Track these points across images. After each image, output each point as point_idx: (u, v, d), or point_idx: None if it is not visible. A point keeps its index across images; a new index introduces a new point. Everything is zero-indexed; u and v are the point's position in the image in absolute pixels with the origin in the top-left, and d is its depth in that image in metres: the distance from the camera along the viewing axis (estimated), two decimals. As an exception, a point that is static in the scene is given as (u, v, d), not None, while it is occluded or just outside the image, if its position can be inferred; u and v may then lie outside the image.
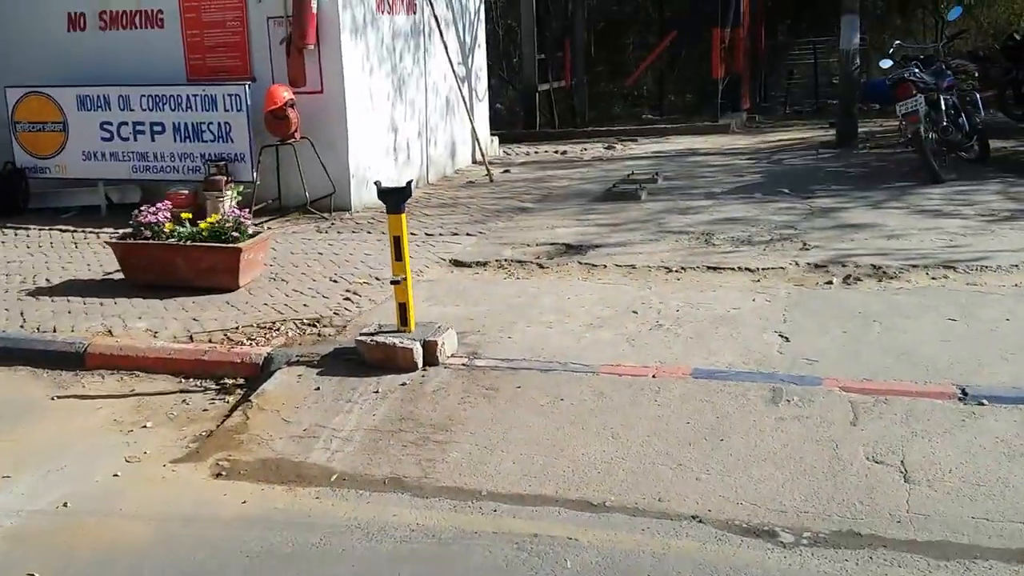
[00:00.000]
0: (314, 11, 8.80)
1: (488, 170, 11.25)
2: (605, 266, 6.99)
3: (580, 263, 7.11)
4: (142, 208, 6.77)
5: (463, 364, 5.13)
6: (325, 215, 9.08)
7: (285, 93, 8.69)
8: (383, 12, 9.87)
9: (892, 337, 5.19)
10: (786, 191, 9.41)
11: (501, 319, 5.84)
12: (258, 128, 8.83)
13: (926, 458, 3.91)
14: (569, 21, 17.44)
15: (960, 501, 3.61)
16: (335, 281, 6.86)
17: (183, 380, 5.41)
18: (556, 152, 13.84)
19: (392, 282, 5.12)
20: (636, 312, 5.85)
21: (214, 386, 5.30)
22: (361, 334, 5.26)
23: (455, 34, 11.93)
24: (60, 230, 8.89)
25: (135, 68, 9.27)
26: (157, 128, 9.03)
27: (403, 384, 4.92)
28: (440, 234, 8.31)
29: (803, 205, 8.72)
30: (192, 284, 6.56)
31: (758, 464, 3.96)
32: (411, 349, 5.03)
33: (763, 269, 6.65)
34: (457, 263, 7.33)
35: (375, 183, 5.14)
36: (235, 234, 6.49)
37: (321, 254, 7.70)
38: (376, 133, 9.73)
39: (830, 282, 6.29)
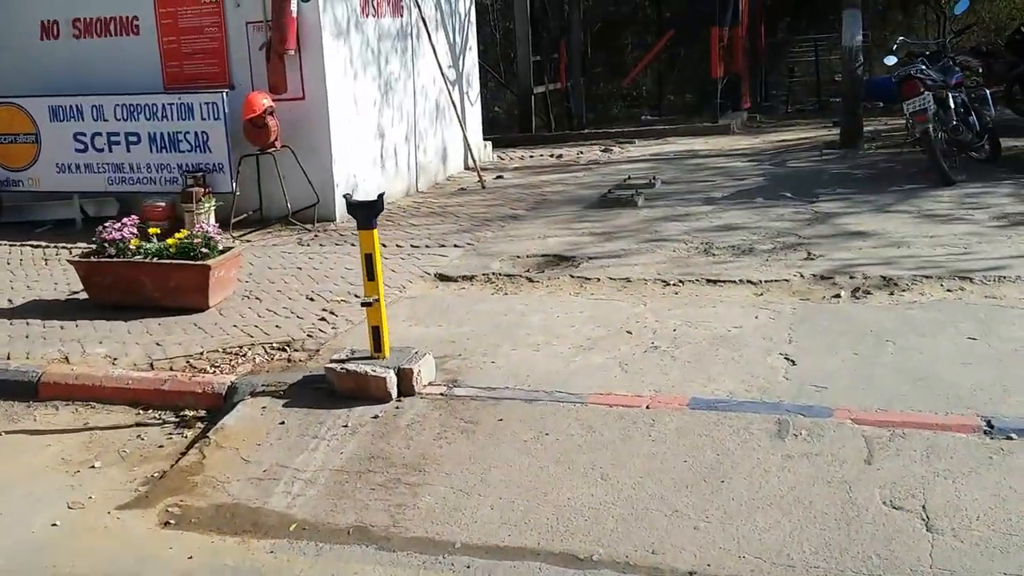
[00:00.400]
0: (294, 15, 8.42)
1: (480, 176, 10.86)
2: (598, 279, 6.59)
3: (572, 276, 6.71)
4: (106, 224, 6.38)
5: (441, 394, 4.73)
6: (308, 226, 8.69)
7: (264, 100, 8.30)
8: (368, 15, 9.49)
9: (907, 359, 4.79)
10: (789, 195, 9.01)
11: (485, 341, 5.45)
12: (237, 137, 8.45)
13: (950, 502, 3.51)
14: (565, 22, 17.03)
15: (989, 553, 3.20)
16: (312, 299, 6.47)
17: (141, 411, 5.02)
18: (551, 156, 13.46)
19: (363, 304, 4.73)
20: (630, 332, 5.46)
21: (173, 418, 4.91)
22: (332, 361, 4.87)
23: (445, 36, 11.54)
24: (32, 245, 8.51)
25: (111, 77, 8.89)
26: (132, 138, 8.65)
27: (375, 417, 4.53)
28: (427, 246, 7.92)
29: (807, 210, 8.32)
30: (160, 304, 6.18)
31: (763, 510, 3.56)
32: (384, 378, 4.64)
33: (766, 282, 6.25)
34: (443, 277, 6.94)
35: (344, 196, 4.75)
36: (204, 250, 6.10)
37: (300, 269, 7.31)
38: (361, 140, 9.34)
39: (838, 295, 5.88)
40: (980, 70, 11.81)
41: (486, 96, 19.25)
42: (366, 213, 4.64)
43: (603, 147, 13.88)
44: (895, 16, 19.86)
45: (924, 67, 9.19)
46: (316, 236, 8.48)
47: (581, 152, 13.61)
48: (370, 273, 4.70)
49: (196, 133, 8.47)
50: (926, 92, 8.83)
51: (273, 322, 5.99)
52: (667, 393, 4.56)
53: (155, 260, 6.10)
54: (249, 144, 8.45)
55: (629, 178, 10.37)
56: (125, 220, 6.37)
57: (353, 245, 8.05)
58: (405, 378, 4.71)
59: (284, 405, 4.73)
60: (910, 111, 8.95)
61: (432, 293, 6.58)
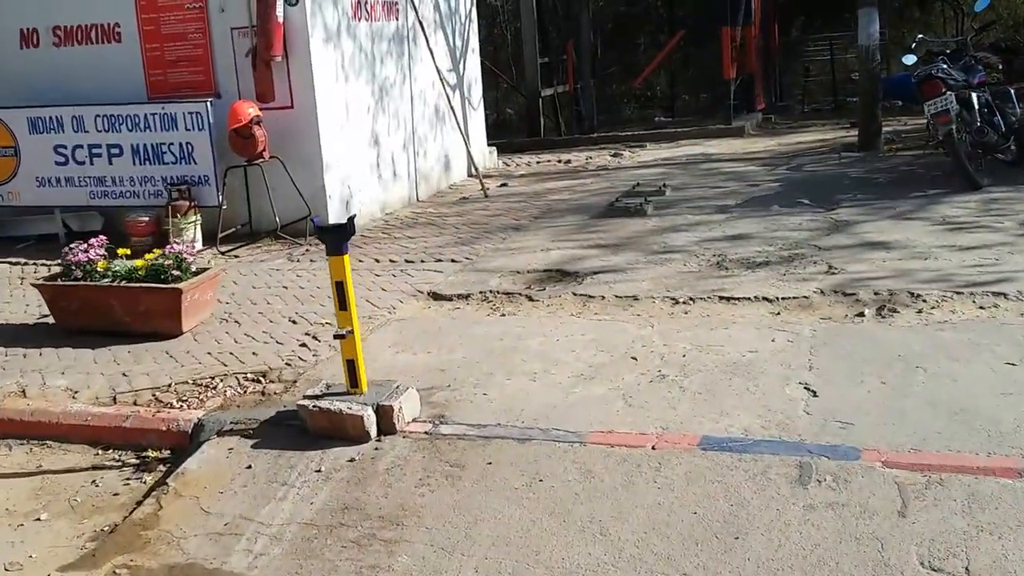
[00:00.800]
0: (280, 20, 8.00)
1: (482, 184, 10.43)
2: (602, 297, 6.15)
3: (574, 294, 6.27)
4: (72, 245, 5.98)
5: (426, 432, 4.30)
6: (299, 240, 8.28)
7: (250, 109, 7.89)
8: (360, 18, 9.06)
9: (940, 388, 4.32)
10: (806, 202, 8.54)
11: (478, 370, 5.01)
12: (223, 148, 8.04)
13: (996, 563, 3.05)
14: (574, 22, 16.59)
15: (1048, 630, 2.75)
16: (294, 322, 6.05)
17: (100, 452, 4.62)
18: (559, 162, 13.01)
19: (336, 336, 4.30)
20: (635, 358, 5.01)
21: (134, 460, 4.50)
22: (305, 396, 4.44)
23: (445, 39, 11.11)
24: (10, 263, 8.13)
25: (93, 86, 8.49)
26: (114, 150, 8.26)
27: (351, 460, 4.10)
28: (422, 260, 7.49)
29: (826, 218, 7.84)
30: (131, 329, 5.77)
31: (784, 572, 3.11)
32: (361, 416, 4.21)
33: (783, 299, 5.79)
34: (436, 296, 6.51)
35: (311, 219, 4.32)
36: (175, 272, 5.69)
37: (286, 288, 6.90)
38: (355, 148, 8.93)
39: (861, 314, 5.42)
40: (1000, 67, 11.30)
41: (497, 99, 18.90)
42: (335, 238, 4.21)
43: (613, 151, 13.44)
44: (912, 13, 19.33)
45: (945, 66, 8.71)
46: (307, 251, 8.06)
47: (590, 157, 13.16)
48: (342, 302, 4.27)
49: (180, 144, 8.07)
50: (948, 92, 8.35)
51: (251, 348, 5.57)
52: (675, 430, 4.11)
53: (123, 284, 5.69)
54: (236, 155, 8.04)
55: (638, 185, 9.93)
56: (92, 240, 5.96)
57: (345, 260, 7.63)
58: (385, 416, 4.27)
59: (253, 446, 4.30)
60: (932, 112, 8.46)
61: (424, 314, 6.15)
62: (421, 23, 10.14)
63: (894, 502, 3.42)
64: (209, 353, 5.53)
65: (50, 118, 8.30)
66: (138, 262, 5.75)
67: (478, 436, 4.21)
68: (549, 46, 16.13)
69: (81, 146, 8.31)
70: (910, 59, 9.29)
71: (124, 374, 5.27)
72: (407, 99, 10.06)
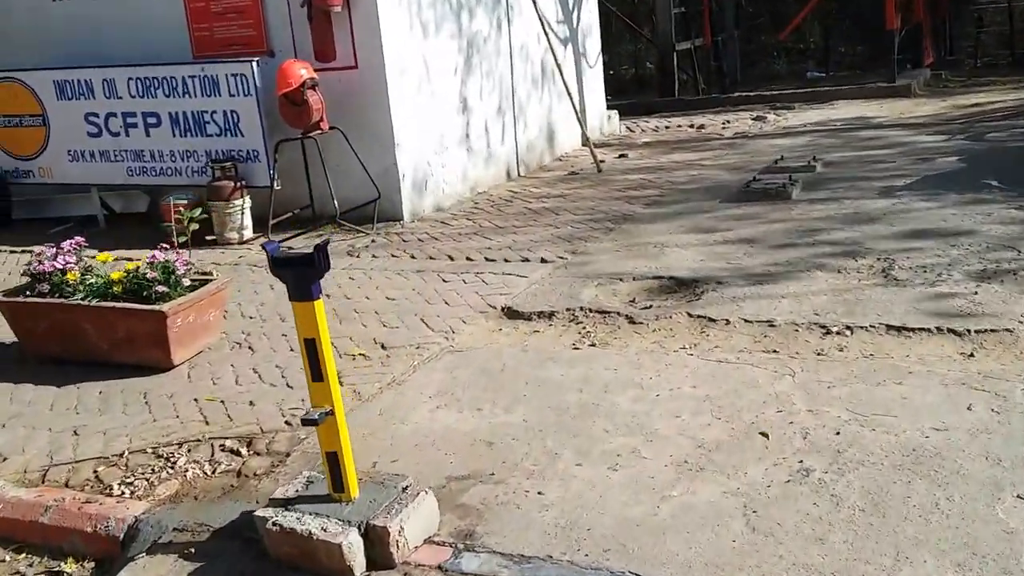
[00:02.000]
0: (340, -39, 6.57)
1: (595, 157, 8.80)
2: (727, 322, 4.53)
3: (690, 316, 4.66)
4: (42, 248, 4.73)
5: (439, 567, 2.80)
6: (365, 229, 6.89)
7: (302, 71, 6.51)
8: (443, -43, 7.54)
9: None
10: (995, 184, 6.66)
11: (539, 445, 3.48)
12: (275, 118, 6.70)
13: None
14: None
15: None
16: (321, 351, 4.64)
17: (11, 555, 3.32)
18: (691, 127, 11.29)
19: (305, 422, 2.82)
20: (766, 435, 3.39)
21: (40, 577, 3.18)
22: (271, 501, 3.01)
23: (553, -18, 9.46)
24: (32, 252, 6.98)
25: (128, 43, 7.27)
26: (151, 120, 7.04)
27: (315, 623, 2.65)
28: (505, 259, 5.99)
29: (1026, 208, 5.95)
30: (112, 359, 4.50)
31: None
32: (339, 546, 2.74)
33: (977, 332, 4.08)
34: (511, 313, 5.01)
35: (262, 246, 2.83)
36: (159, 289, 4.34)
37: (329, 296, 5.50)
38: (436, 116, 7.45)
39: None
40: None
41: (637, 52, 17.15)
42: (298, 276, 2.74)
43: (755, 115, 11.65)
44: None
45: None
46: (373, 242, 6.67)
47: (728, 121, 11.38)
48: (315, 371, 2.81)
49: (224, 113, 6.78)
50: None
51: (250, 394, 4.19)
52: (827, 600, 2.50)
53: (96, 303, 4.39)
54: (288, 126, 6.69)
55: (782, 158, 8.17)
56: (65, 244, 4.68)
57: (414, 257, 6.27)
58: (378, 542, 2.80)
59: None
60: None
61: (490, 341, 4.65)
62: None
63: None
64: (195, 400, 4.17)
65: (79, 81, 7.13)
66: (114, 274, 4.44)
67: (514, 583, 2.69)
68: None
69: (115, 114, 7.13)
70: None
71: (76, 431, 3.97)
72: (504, 56, 8.48)
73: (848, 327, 4.31)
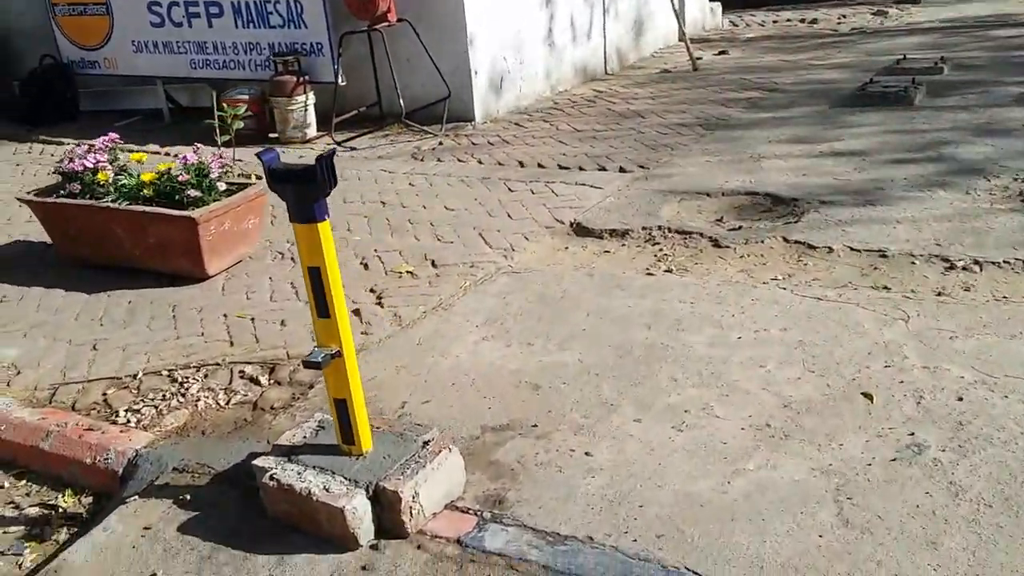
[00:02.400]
0: None
1: (691, 54, 8.08)
2: (830, 250, 3.94)
3: (786, 240, 4.09)
4: (75, 146, 4.39)
5: (457, 541, 2.39)
6: (432, 130, 6.41)
7: (368, -46, 5.96)
8: None
9: None
10: None
11: (594, 393, 3.00)
12: (340, 8, 6.21)
13: None
14: None
15: None
16: (366, 265, 4.25)
17: (11, 480, 3.05)
18: (802, 22, 10.41)
19: (306, 364, 2.40)
20: (870, 397, 2.83)
21: (34, 512, 2.89)
22: (274, 448, 2.62)
23: None
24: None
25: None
26: (214, 9, 6.62)
27: (311, 598, 2.28)
28: (580, 168, 5.46)
29: None
30: (145, 266, 4.19)
31: None
32: (341, 510, 2.35)
33: None
34: (581, 230, 4.50)
35: (256, 155, 2.37)
36: (192, 193, 3.96)
37: (384, 203, 5.09)
38: (514, 8, 6.84)
39: None
40: None
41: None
42: (300, 194, 2.27)
43: (876, 8, 10.68)
44: None
45: None
46: (440, 144, 6.19)
47: (844, 16, 10.48)
48: (320, 306, 2.37)
49: (287, 2, 6.32)
50: None
51: (282, 313, 3.82)
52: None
53: (125, 205, 4.04)
54: (353, 17, 6.19)
55: (904, 58, 7.35)
56: (98, 141, 4.33)
57: (481, 162, 5.76)
58: (389, 507, 2.40)
59: (180, 528, 2.56)
60: None
61: (551, 263, 4.15)
62: None
63: None
64: (223, 316, 3.82)
65: (139, -36, 6.74)
66: (146, 175, 4.08)
67: (545, 566, 2.26)
68: None
69: (177, 3, 6.72)
70: None
71: (95, 345, 3.66)
72: (594, -64, 7.78)
73: (976, 261, 3.68)
